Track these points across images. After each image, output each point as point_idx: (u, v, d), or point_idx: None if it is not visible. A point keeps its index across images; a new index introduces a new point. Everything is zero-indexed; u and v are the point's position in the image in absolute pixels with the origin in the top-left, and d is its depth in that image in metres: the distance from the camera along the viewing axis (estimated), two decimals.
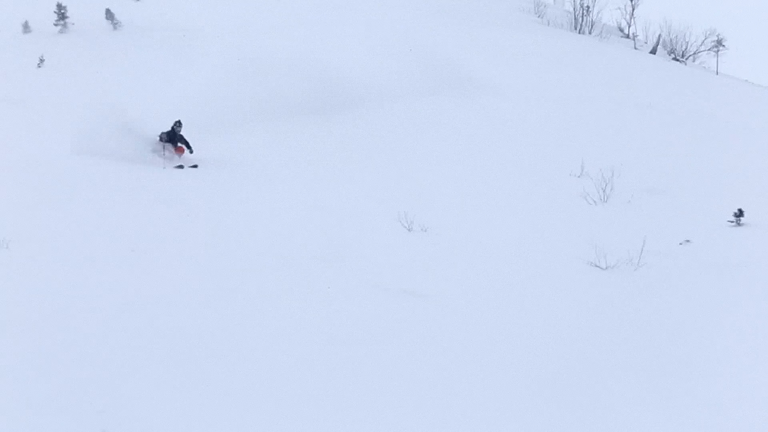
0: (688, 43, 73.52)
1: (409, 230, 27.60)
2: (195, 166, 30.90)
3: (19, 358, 16.02)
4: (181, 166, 30.93)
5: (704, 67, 70.86)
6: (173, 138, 31.65)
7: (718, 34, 71.57)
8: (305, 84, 39.01)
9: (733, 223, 27.95)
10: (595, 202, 30.37)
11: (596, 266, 25.42)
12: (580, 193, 30.63)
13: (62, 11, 54.00)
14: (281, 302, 21.16)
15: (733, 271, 24.89)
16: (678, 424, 15.98)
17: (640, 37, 74.71)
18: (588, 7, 70.41)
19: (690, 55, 73.38)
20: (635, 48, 69.24)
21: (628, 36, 73.78)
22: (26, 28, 54.07)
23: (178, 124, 31.76)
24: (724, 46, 71.76)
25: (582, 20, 70.22)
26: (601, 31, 69.35)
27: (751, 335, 20.61)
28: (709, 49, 72.96)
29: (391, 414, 15.95)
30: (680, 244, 27.00)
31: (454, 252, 26.36)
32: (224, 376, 16.70)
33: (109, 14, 54.30)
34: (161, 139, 31.61)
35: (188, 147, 31.51)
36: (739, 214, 27.96)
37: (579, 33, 68.90)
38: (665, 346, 20.17)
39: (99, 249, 22.86)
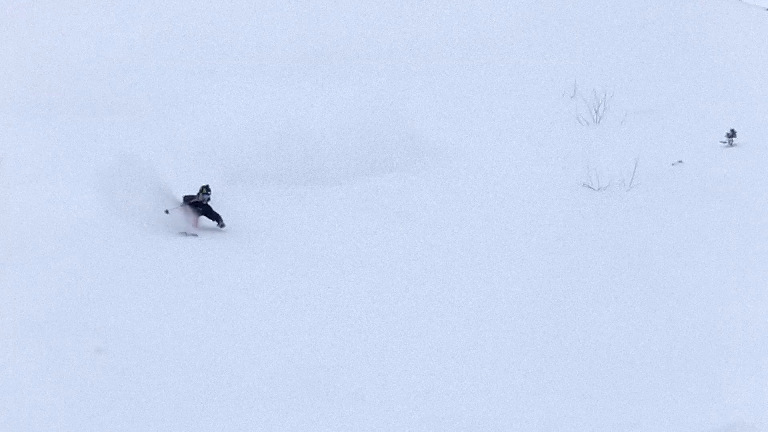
0: None
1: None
2: (195, 235, 22.46)
3: None
4: (185, 233, 22.49)
5: None
6: (195, 206, 23.16)
7: None
8: None
9: (726, 144, 27.93)
10: (587, 122, 30.29)
11: (589, 187, 25.46)
12: (573, 113, 30.53)
13: None
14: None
15: (725, 192, 24.95)
16: (661, 343, 16.04)
17: None
18: None
19: None
20: None
21: None
22: None
23: (206, 190, 22.95)
24: None
25: None
26: None
27: (741, 257, 20.75)
28: None
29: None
30: (673, 164, 27.03)
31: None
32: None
33: None
34: (186, 202, 23.05)
35: (217, 220, 22.83)
36: (732, 134, 27.91)
37: None
38: (654, 268, 20.28)
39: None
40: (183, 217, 22.36)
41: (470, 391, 12.86)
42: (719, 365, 14.48)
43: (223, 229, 22.28)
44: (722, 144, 27.92)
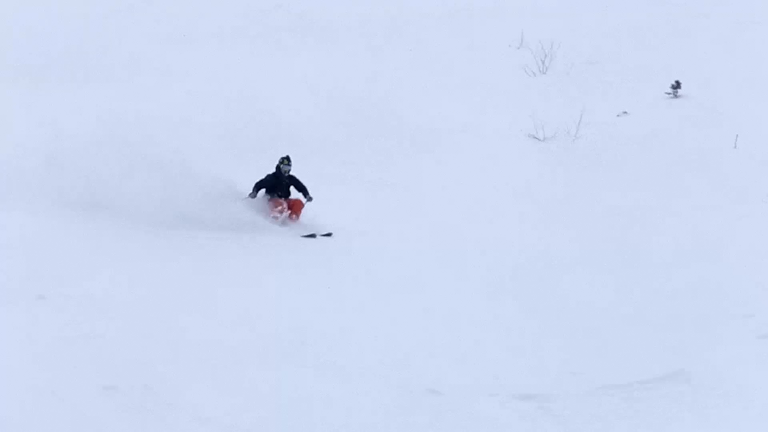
0: None
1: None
2: (329, 234, 19.86)
3: None
4: (312, 235, 19.76)
5: None
6: (278, 184, 20.41)
7: None
8: None
9: (671, 95, 28.27)
10: (534, 73, 30.37)
11: (534, 137, 25.77)
12: (520, 64, 30.55)
13: None
14: None
15: (669, 142, 25.39)
16: (616, 292, 16.32)
17: None
18: None
19: None
20: None
21: None
22: None
23: (286, 161, 20.49)
24: None
25: None
26: None
27: (685, 209, 21.19)
28: None
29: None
30: (618, 115, 27.35)
31: None
32: None
33: None
34: (257, 190, 20.38)
35: (305, 192, 20.41)
36: (677, 85, 28.25)
37: None
38: (601, 218, 20.60)
39: None
40: (276, 213, 20.06)
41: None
42: (670, 321, 14.78)
43: (310, 202, 20.20)
44: (667, 95, 28.27)
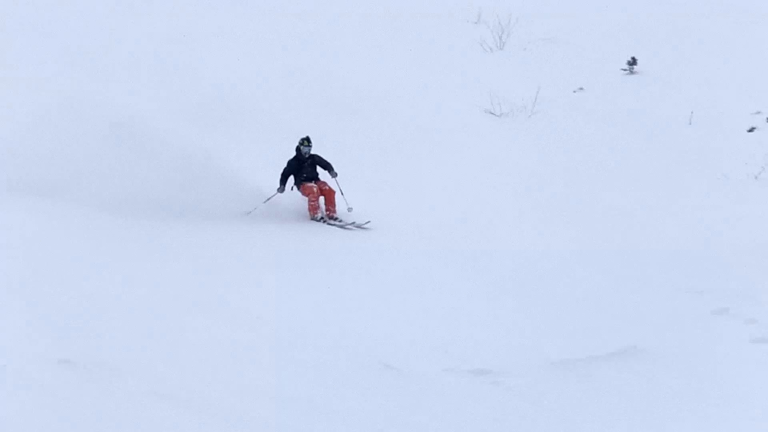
0: None
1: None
2: (368, 223, 19.73)
3: None
4: (353, 223, 19.74)
5: None
6: (301, 167, 20.14)
7: None
8: None
9: (627, 71, 28.58)
10: (491, 48, 30.42)
11: (491, 113, 26.00)
12: (477, 39, 30.61)
13: None
14: None
15: (624, 118, 25.69)
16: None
17: None
18: None
19: None
20: None
21: None
22: None
23: (306, 142, 20.11)
24: None
25: None
26: None
27: (641, 179, 21.48)
28: None
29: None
30: (574, 91, 27.61)
31: None
32: None
33: None
34: (284, 181, 20.05)
35: (329, 169, 20.07)
36: (632, 62, 28.61)
37: None
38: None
39: None
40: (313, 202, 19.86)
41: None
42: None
43: (336, 178, 19.87)
44: (623, 72, 28.57)
